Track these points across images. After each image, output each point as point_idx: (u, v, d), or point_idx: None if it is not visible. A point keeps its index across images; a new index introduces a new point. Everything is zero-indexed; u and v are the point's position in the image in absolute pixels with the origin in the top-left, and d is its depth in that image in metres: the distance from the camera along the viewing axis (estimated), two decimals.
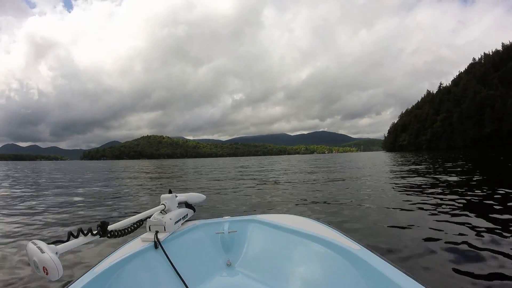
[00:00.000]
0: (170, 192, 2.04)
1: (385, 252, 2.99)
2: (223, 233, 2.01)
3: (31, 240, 1.09)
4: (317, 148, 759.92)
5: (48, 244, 1.08)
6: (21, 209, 6.57)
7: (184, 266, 1.65)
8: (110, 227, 1.40)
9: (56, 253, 1.07)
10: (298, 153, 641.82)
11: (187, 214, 2.10)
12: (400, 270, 1.17)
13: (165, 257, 1.61)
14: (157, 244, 1.65)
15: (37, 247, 1.04)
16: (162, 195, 1.97)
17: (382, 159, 31.28)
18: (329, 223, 1.84)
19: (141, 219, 1.71)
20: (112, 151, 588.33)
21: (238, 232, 2.02)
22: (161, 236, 1.70)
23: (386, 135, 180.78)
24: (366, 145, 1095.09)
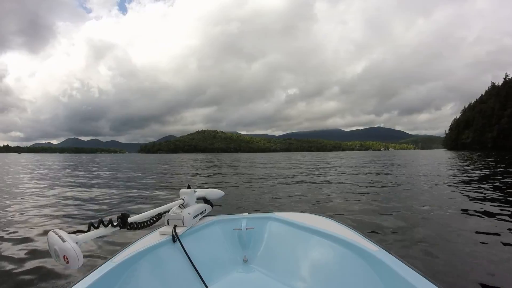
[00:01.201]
0: (189, 187, 2.03)
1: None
2: (241, 229, 2.00)
3: (52, 228, 1.11)
4: (372, 145, 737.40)
5: (69, 233, 1.10)
6: (67, 196, 7.70)
7: (201, 260, 1.67)
8: (130, 219, 1.42)
9: (77, 242, 1.08)
10: (353, 149, 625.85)
11: (205, 210, 2.10)
12: (419, 273, 1.16)
13: (183, 251, 1.63)
14: (175, 238, 1.68)
15: (58, 236, 1.05)
16: (181, 190, 1.98)
17: (446, 159, 28.30)
18: (348, 223, 1.83)
19: (160, 213, 1.73)
20: (167, 145, 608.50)
21: (256, 229, 2.02)
22: (179, 230, 1.73)
23: (447, 132, 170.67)
24: (425, 142, 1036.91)
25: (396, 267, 1.22)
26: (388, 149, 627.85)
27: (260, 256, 1.93)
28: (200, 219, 2.01)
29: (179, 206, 1.92)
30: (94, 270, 1.27)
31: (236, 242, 2.00)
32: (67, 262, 1.01)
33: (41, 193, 8.28)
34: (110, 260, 1.37)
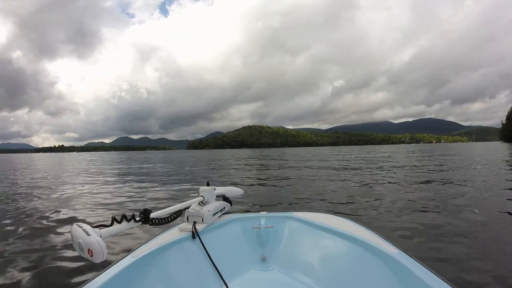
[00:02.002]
0: (208, 184, 2.05)
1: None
2: (260, 228, 1.99)
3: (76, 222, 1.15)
4: (423, 137, 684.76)
5: (93, 227, 1.12)
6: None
7: (220, 257, 1.69)
8: (151, 215, 1.45)
9: (100, 236, 1.10)
10: (403, 142, 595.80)
11: (224, 207, 2.11)
12: (438, 276, 1.16)
13: (202, 247, 1.65)
14: (194, 234, 1.70)
15: (82, 229, 1.07)
16: (201, 187, 1.99)
17: (507, 153, 24.00)
18: (367, 225, 1.81)
19: (180, 209, 1.76)
20: (215, 141, 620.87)
21: (275, 228, 2.00)
22: (198, 227, 1.75)
23: (503, 122, 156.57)
24: (479, 134, 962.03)
25: (415, 269, 1.22)
26: (440, 142, 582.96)
27: (278, 255, 1.90)
28: (219, 217, 2.02)
29: (199, 203, 1.92)
30: (115, 264, 1.30)
31: (254, 240, 1.99)
32: (91, 256, 1.03)
33: (92, 186, 9.35)
34: (131, 254, 1.40)
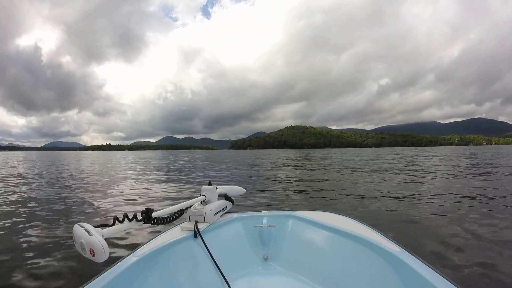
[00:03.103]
0: (210, 183, 2.06)
1: None
2: (262, 227, 2.00)
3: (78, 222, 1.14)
4: (473, 139, 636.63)
5: (94, 227, 1.12)
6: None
7: (222, 256, 1.69)
8: (154, 214, 1.44)
9: (102, 236, 1.10)
10: (451, 144, 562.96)
11: (226, 206, 2.11)
12: (441, 275, 1.16)
13: (204, 246, 1.65)
14: (196, 233, 1.70)
15: (84, 229, 1.07)
16: (203, 187, 2.01)
17: None
18: (369, 223, 1.82)
19: (182, 209, 1.75)
20: (257, 141, 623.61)
21: (277, 226, 2.01)
22: (200, 226, 1.75)
23: None
24: None
25: (418, 267, 1.23)
26: (491, 144, 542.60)
27: (280, 254, 1.91)
28: (221, 216, 2.02)
29: (201, 203, 1.93)
30: (117, 263, 1.30)
31: (256, 239, 1.99)
32: (93, 255, 1.03)
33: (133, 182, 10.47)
34: (133, 254, 1.40)
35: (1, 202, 6.70)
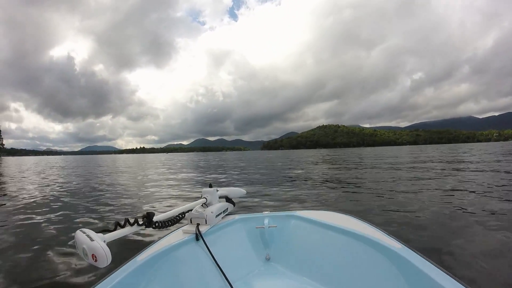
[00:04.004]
0: (210, 186, 2.06)
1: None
2: (263, 227, 2.01)
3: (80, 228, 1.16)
4: None
5: (96, 232, 1.13)
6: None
7: (224, 258, 1.70)
8: (155, 218, 1.45)
9: (104, 241, 1.11)
10: (489, 140, 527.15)
11: (227, 208, 2.13)
12: (443, 271, 1.17)
13: (206, 249, 1.66)
14: (198, 236, 1.71)
15: (86, 235, 1.08)
16: (204, 189, 2.02)
17: None
18: (371, 221, 1.82)
19: (183, 212, 1.76)
20: (289, 141, 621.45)
21: (278, 227, 2.02)
22: (202, 229, 1.76)
23: None
24: None
25: (420, 264, 1.23)
26: None
27: (282, 254, 1.93)
28: (222, 218, 2.04)
29: (202, 205, 1.94)
30: (119, 268, 1.31)
31: (258, 240, 2.01)
32: (96, 261, 1.03)
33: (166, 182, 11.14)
34: (135, 258, 1.42)
35: (26, 200, 7.47)
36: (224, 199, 2.18)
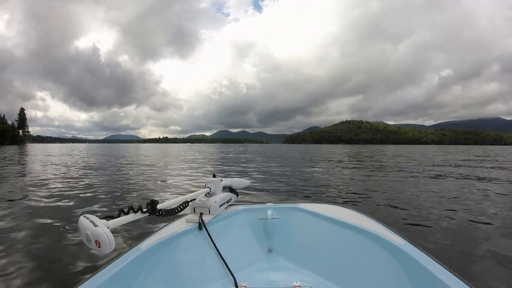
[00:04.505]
0: (214, 176, 2.08)
1: None
2: (266, 219, 2.02)
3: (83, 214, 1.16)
4: None
5: (100, 219, 1.13)
6: None
7: (227, 248, 1.72)
8: (158, 206, 1.44)
9: (108, 227, 1.10)
10: None
11: (230, 199, 2.16)
12: (445, 267, 1.17)
13: (209, 238, 1.68)
14: (201, 225, 1.73)
15: (89, 221, 1.07)
16: (208, 179, 2.03)
17: None
18: (374, 216, 1.83)
19: (187, 201, 1.78)
20: (312, 136, 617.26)
21: (281, 219, 2.03)
22: (205, 218, 1.78)
23: None
24: None
25: (422, 260, 1.24)
26: None
27: (285, 246, 1.94)
28: (225, 208, 2.06)
29: (205, 195, 1.96)
30: (122, 255, 1.32)
31: (261, 231, 2.03)
32: (99, 247, 1.03)
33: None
34: (138, 246, 1.43)
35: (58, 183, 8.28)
36: (228, 189, 2.19)
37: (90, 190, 6.92)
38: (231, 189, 2.22)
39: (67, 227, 3.88)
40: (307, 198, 5.64)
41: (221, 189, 2.08)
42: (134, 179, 9.05)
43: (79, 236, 1.10)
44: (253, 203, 2.25)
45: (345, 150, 44.22)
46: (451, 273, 1.13)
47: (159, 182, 8.60)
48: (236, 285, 1.49)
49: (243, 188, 2.38)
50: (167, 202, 1.54)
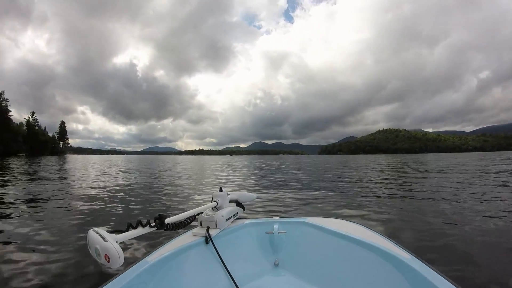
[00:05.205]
0: (221, 190, 2.07)
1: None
2: (273, 233, 2.02)
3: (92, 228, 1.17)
4: None
5: (109, 233, 1.13)
6: None
7: (233, 262, 1.72)
8: (166, 220, 1.46)
9: (117, 241, 1.10)
10: None
11: (237, 212, 2.15)
12: (452, 283, 1.17)
13: (215, 252, 1.67)
14: (208, 239, 1.72)
15: (99, 235, 1.08)
16: (214, 193, 2.03)
17: None
18: (380, 231, 1.84)
19: (194, 215, 1.79)
20: (348, 146, 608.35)
21: (288, 233, 2.03)
22: (212, 232, 1.78)
23: None
24: None
25: (428, 275, 1.24)
26: None
27: (291, 260, 1.93)
28: (232, 222, 2.05)
29: (212, 209, 1.96)
30: (129, 268, 1.32)
31: (267, 245, 2.02)
32: (108, 261, 1.03)
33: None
34: (144, 259, 1.44)
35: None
36: (235, 203, 2.18)
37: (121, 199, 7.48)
38: (237, 203, 2.20)
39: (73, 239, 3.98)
40: (313, 212, 5.64)
41: (228, 203, 2.06)
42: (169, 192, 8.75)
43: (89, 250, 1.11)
44: (260, 217, 2.29)
45: (386, 161, 42.54)
46: (457, 287, 1.13)
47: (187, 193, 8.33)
48: None
49: (250, 202, 2.36)
50: (175, 216, 1.56)
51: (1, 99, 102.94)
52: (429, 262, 1.34)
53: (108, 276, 1.11)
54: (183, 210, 1.68)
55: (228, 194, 2.07)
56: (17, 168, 22.59)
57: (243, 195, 2.25)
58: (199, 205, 1.93)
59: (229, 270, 1.61)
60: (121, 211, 5.84)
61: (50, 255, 3.28)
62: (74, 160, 45.72)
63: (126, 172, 18.52)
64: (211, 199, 2.02)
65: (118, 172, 18.90)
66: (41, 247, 3.57)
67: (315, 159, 72.63)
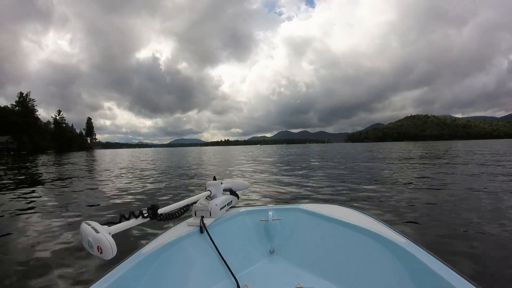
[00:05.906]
0: (214, 179, 2.09)
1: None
2: (267, 220, 2.03)
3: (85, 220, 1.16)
4: None
5: (101, 225, 1.13)
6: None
7: (228, 251, 1.74)
8: (159, 211, 1.45)
9: (109, 233, 1.11)
10: None
11: (231, 201, 2.15)
12: (447, 265, 1.18)
13: (210, 241, 1.68)
14: (202, 228, 1.73)
15: (91, 227, 1.08)
16: (208, 182, 2.03)
17: None
18: (374, 215, 1.85)
19: (187, 204, 1.78)
20: (375, 133, 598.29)
21: (282, 220, 2.05)
22: (206, 221, 1.78)
23: None
24: None
25: (424, 258, 1.24)
26: None
27: (286, 247, 1.95)
28: (226, 210, 2.06)
29: (206, 198, 1.96)
30: (124, 260, 1.33)
31: (262, 233, 2.04)
32: (101, 253, 1.04)
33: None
34: (140, 250, 1.44)
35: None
36: (229, 192, 2.19)
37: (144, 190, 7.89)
38: (231, 192, 2.21)
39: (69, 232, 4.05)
40: (308, 198, 5.69)
41: (222, 191, 2.07)
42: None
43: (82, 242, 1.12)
44: (254, 205, 2.28)
45: (406, 148, 41.14)
46: (453, 270, 1.13)
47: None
48: (238, 287, 1.51)
49: (244, 190, 2.37)
50: (168, 206, 1.56)
51: (28, 100, 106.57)
52: (423, 244, 1.35)
53: (103, 269, 1.09)
54: (177, 200, 1.71)
55: (221, 183, 2.09)
56: (46, 163, 24.54)
57: (237, 183, 2.28)
58: (193, 194, 1.94)
59: (224, 258, 1.64)
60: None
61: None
62: (102, 155, 47.84)
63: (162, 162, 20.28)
64: (205, 188, 2.03)
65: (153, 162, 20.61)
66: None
67: (346, 147, 71.22)
